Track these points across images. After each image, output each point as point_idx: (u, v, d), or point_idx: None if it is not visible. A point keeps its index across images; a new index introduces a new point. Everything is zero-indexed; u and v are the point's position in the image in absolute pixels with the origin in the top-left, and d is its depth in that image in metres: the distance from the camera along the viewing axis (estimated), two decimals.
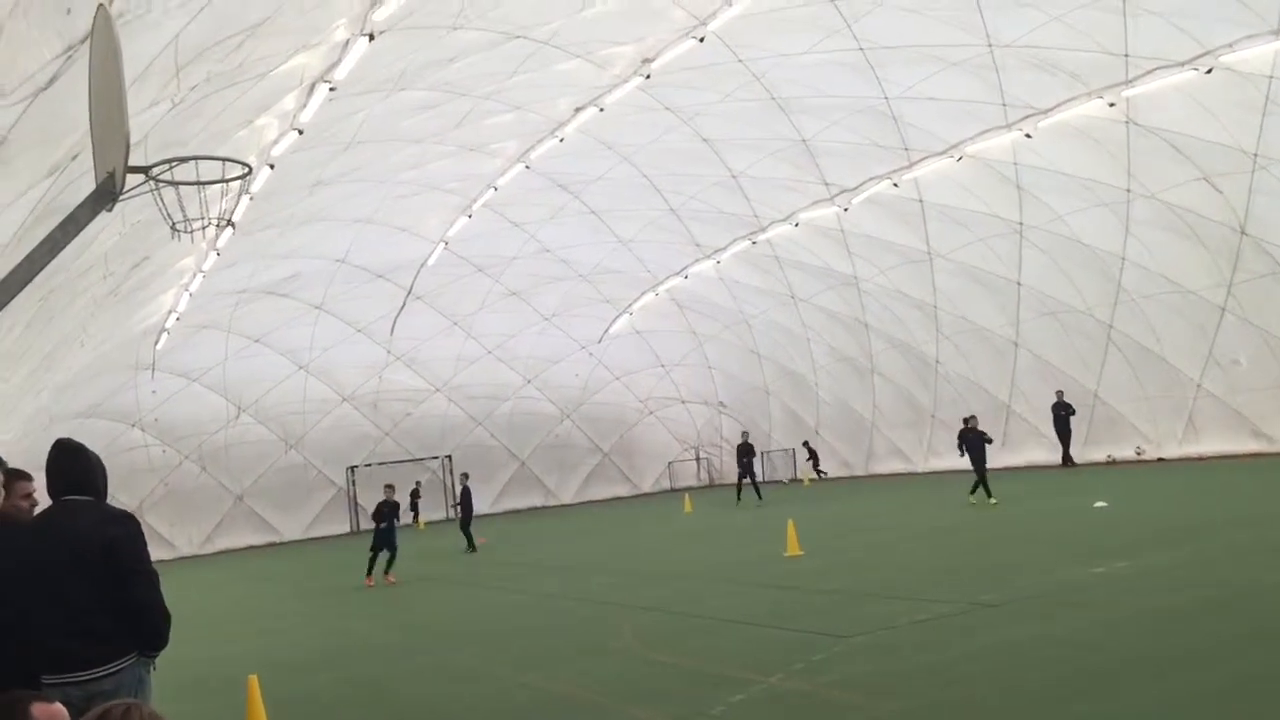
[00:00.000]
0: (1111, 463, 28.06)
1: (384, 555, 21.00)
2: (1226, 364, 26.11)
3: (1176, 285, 26.19)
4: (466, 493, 27.74)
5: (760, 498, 30.72)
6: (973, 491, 22.59)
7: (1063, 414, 29.56)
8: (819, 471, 41.97)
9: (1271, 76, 20.22)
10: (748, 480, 31.55)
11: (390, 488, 22.72)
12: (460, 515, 27.98)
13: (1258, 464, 23.84)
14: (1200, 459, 26.54)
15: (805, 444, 42.11)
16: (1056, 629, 9.19)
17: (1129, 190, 24.93)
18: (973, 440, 23.13)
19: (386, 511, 21.33)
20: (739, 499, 31.37)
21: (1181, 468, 25.55)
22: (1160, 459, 27.87)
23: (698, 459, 48.17)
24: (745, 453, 32.44)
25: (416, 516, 41.24)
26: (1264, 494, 18.36)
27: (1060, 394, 29.61)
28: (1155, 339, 27.69)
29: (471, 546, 26.57)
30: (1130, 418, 28.96)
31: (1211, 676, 7.07)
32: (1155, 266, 26.35)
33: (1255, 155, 22.01)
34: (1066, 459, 29.70)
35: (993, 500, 21.90)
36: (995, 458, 33.34)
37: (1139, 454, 28.58)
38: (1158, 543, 13.49)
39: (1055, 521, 17.65)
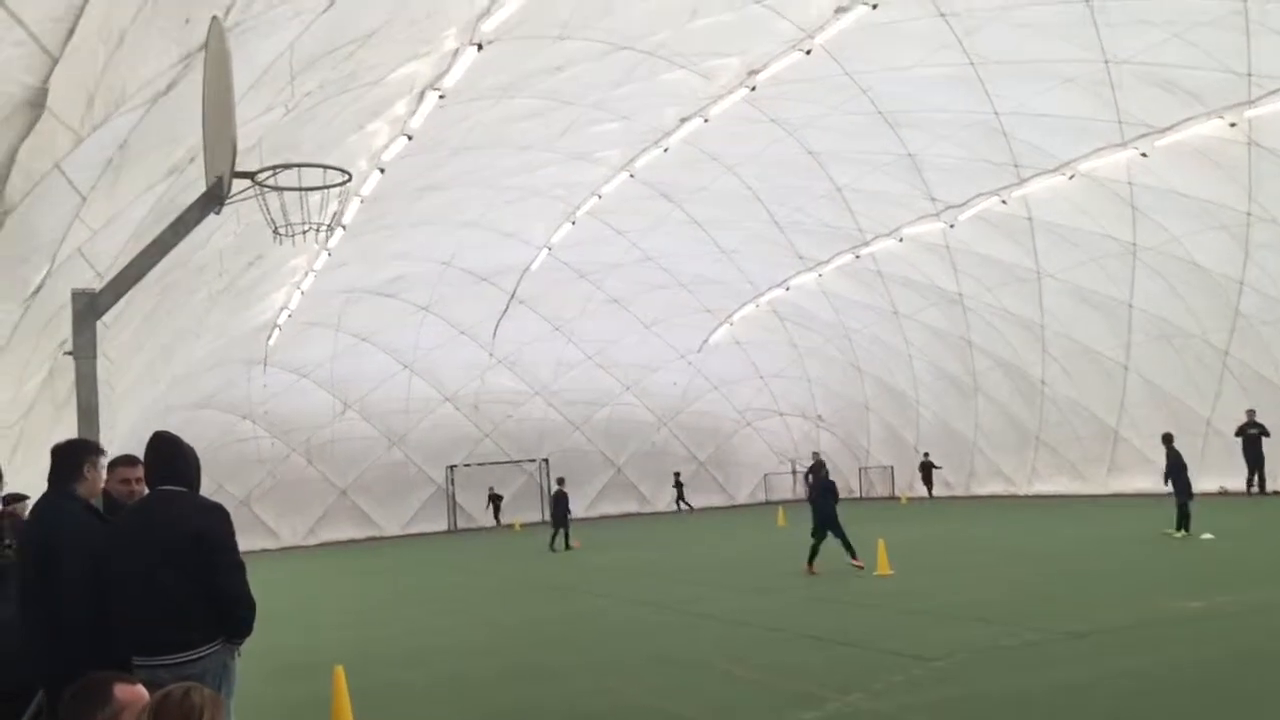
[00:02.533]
0: (1224, 493, 27.08)
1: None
2: None
3: None
4: (561, 496, 28.93)
5: None
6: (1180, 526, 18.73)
7: (1253, 433, 26.49)
8: (681, 504, 42.20)
9: None
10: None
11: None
12: (554, 516, 29.04)
13: None
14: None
15: (675, 474, 43.22)
16: (1145, 664, 8.94)
17: (1249, 213, 24.11)
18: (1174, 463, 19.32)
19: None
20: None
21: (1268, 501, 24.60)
22: (1276, 491, 26.82)
23: (794, 472, 47.83)
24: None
25: (498, 517, 42.32)
26: None
27: (1251, 414, 26.61)
28: (1274, 367, 26.69)
29: (553, 546, 28.00)
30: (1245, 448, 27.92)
31: None
32: (1276, 293, 25.42)
33: None
34: (1256, 484, 26.69)
35: (1179, 533, 18.53)
36: (1103, 484, 32.61)
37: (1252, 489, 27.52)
38: (1262, 579, 13.01)
39: (1158, 552, 17.13)
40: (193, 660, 5.27)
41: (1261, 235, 24.46)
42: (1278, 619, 10.41)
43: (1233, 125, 21.75)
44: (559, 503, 29.04)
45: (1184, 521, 18.49)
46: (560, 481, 30.47)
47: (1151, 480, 30.09)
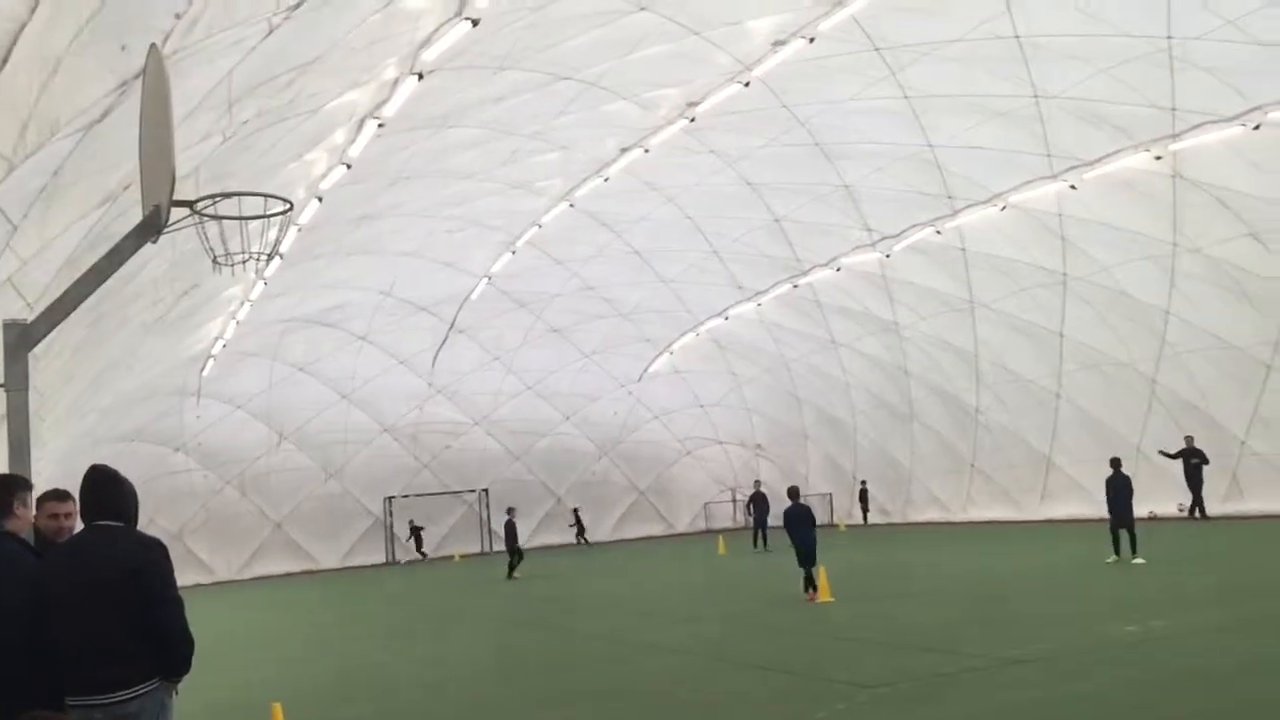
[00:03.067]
0: (1153, 519, 27.61)
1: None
2: (1273, 423, 25.71)
3: (1222, 341, 25.89)
4: (510, 525, 29.29)
5: (767, 546, 31.00)
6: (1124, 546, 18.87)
7: (1194, 461, 26.78)
8: (581, 539, 42.32)
9: None
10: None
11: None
12: (508, 546, 29.16)
13: None
14: (1244, 518, 26.09)
15: (574, 510, 42.90)
16: (1085, 688, 9.07)
17: (1174, 244, 24.75)
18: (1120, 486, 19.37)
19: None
20: (755, 545, 32.01)
21: (1225, 526, 25.11)
22: (1203, 516, 27.38)
23: (734, 500, 47.96)
24: (759, 501, 33.40)
25: (420, 548, 41.63)
26: None
27: (1190, 440, 26.91)
28: (1200, 394, 27.35)
29: (511, 575, 27.93)
30: (1173, 474, 28.51)
31: None
32: (1201, 322, 26.08)
33: None
34: (1196, 509, 27.01)
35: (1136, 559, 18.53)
36: (1036, 510, 33.12)
37: (1181, 510, 28.11)
38: (1194, 603, 13.27)
39: (1092, 577, 17.41)
40: (128, 699, 5.15)
41: (1186, 265, 25.11)
42: (1212, 642, 10.62)
43: (1158, 158, 22.35)
44: (510, 531, 29.22)
45: (1132, 545, 18.64)
46: (510, 511, 30.49)
47: (1086, 507, 30.75)
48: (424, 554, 41.64)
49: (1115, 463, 19.80)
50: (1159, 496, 28.30)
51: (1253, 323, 24.91)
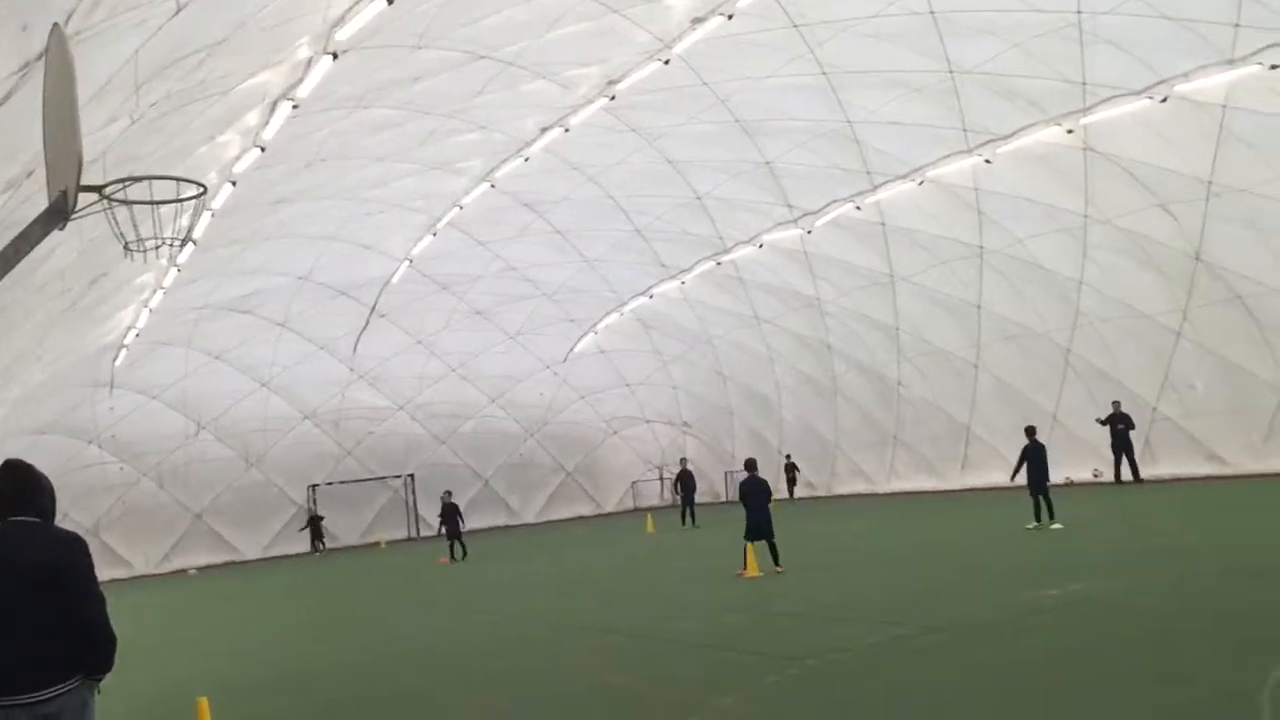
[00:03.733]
0: (1069, 484, 28.31)
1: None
2: (1182, 388, 26.48)
3: (1133, 310, 26.58)
4: (451, 508, 29.36)
5: (695, 523, 31.23)
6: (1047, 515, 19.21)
7: (1121, 428, 27.05)
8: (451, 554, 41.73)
9: (1225, 106, 20.60)
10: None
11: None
12: (447, 530, 29.24)
13: (1211, 488, 24.16)
14: (1157, 481, 26.85)
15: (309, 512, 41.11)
16: (1008, 653, 9.27)
17: (1086, 216, 25.31)
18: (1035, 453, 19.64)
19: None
20: (683, 523, 32.05)
21: (1136, 490, 25.82)
22: (1117, 481, 28.15)
23: (661, 479, 48.17)
24: (685, 479, 33.47)
25: (318, 542, 39.94)
26: (1217, 518, 18.61)
27: (1117, 405, 27.22)
28: (1112, 363, 28.06)
29: (456, 556, 28.31)
30: (1087, 440, 29.26)
31: (1155, 703, 7.15)
32: (1112, 291, 26.73)
33: (1209, 183, 22.40)
34: (1129, 475, 27.15)
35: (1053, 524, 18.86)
36: (958, 480, 33.77)
37: (1095, 476, 28.87)
38: (1111, 567, 13.62)
39: (1012, 543, 17.78)
40: (49, 698, 5.00)
41: (1097, 236, 25.71)
42: (1129, 605, 10.90)
43: (1069, 132, 22.81)
44: (449, 514, 29.18)
45: (1049, 510, 18.99)
46: (447, 494, 30.50)
47: (1003, 475, 31.38)
48: (321, 546, 39.89)
49: (1030, 431, 20.21)
50: (1075, 463, 29.06)
51: (1162, 291, 25.60)
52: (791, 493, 40.22)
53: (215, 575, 35.24)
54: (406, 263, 33.62)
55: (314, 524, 40.36)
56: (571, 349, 43.92)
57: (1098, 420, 27.58)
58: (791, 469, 40.31)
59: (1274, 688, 6.93)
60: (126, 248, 7.40)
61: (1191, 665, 8.00)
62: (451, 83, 21.67)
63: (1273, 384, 24.35)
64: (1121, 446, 27.34)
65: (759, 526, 17.21)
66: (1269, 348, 24.17)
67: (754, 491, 17.37)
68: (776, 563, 17.15)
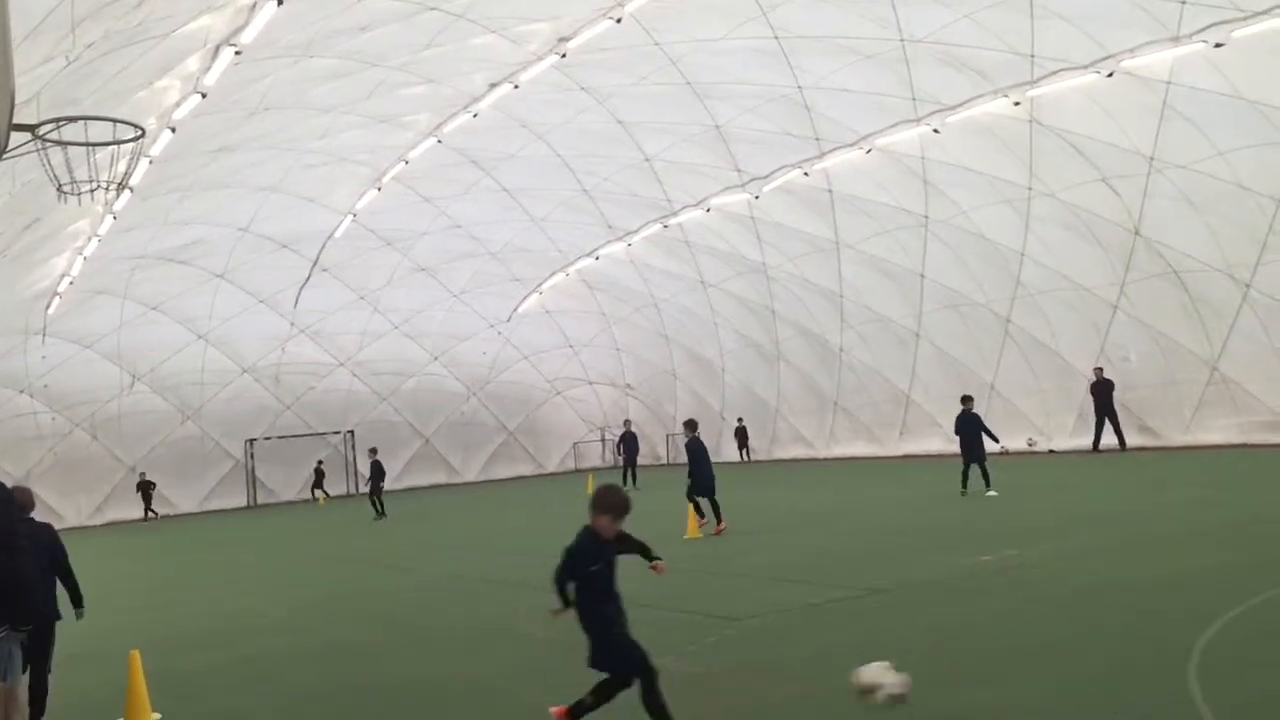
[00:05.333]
0: (1004, 453, 28.75)
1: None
2: (1117, 360, 26.95)
3: (1072, 282, 26.96)
4: (377, 465, 29.52)
5: (636, 485, 31.34)
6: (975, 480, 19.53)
7: (1104, 391, 26.76)
8: (315, 492, 41.24)
9: (1169, 82, 20.87)
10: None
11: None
12: (371, 486, 29.53)
13: (1142, 458, 24.68)
14: (1090, 451, 27.33)
15: (318, 462, 41.68)
16: (945, 615, 9.41)
17: (1030, 188, 25.56)
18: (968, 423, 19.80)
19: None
20: (624, 484, 32.01)
21: (1071, 460, 26.30)
22: (1051, 451, 28.68)
23: (603, 440, 48.25)
24: (628, 441, 33.74)
25: (149, 509, 38.92)
26: (1145, 487, 19.01)
27: (1099, 371, 26.95)
28: (1050, 334, 28.48)
29: (381, 513, 28.35)
30: (1024, 409, 29.76)
31: (1085, 665, 7.30)
32: (1053, 263, 27.08)
33: (1151, 159, 22.72)
34: (1119, 442, 26.69)
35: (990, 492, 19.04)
36: (896, 446, 34.18)
37: (1031, 445, 29.37)
38: (1044, 533, 13.88)
39: (949, 509, 18.05)
40: None
41: (1040, 209, 26.00)
42: (1062, 569, 11.12)
43: (1016, 104, 22.98)
44: (375, 474, 29.37)
45: (984, 478, 19.23)
46: (373, 451, 30.49)
47: (942, 443, 31.82)
48: (153, 513, 38.59)
49: (965, 400, 20.48)
50: (1011, 432, 29.50)
51: (1101, 265, 25.99)
52: (742, 455, 40.35)
53: (148, 528, 34.75)
54: (350, 217, 33.16)
55: (144, 489, 38.82)
56: (516, 308, 43.71)
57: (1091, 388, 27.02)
58: (743, 432, 40.44)
59: (1200, 652, 7.10)
60: (60, 190, 7.19)
61: (1120, 628, 8.18)
62: (400, 34, 21.29)
63: (1205, 359, 24.88)
64: (1103, 411, 26.85)
65: (703, 483, 17.47)
66: (1202, 323, 24.66)
67: (699, 450, 17.70)
68: (719, 520, 17.36)
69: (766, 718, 6.85)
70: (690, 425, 18.30)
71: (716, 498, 17.56)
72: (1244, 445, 23.84)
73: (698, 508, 17.51)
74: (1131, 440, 26.80)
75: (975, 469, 19.42)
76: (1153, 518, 14.43)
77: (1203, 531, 12.76)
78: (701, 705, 7.28)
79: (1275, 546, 11.29)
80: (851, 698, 6.01)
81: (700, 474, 17.59)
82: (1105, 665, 7.20)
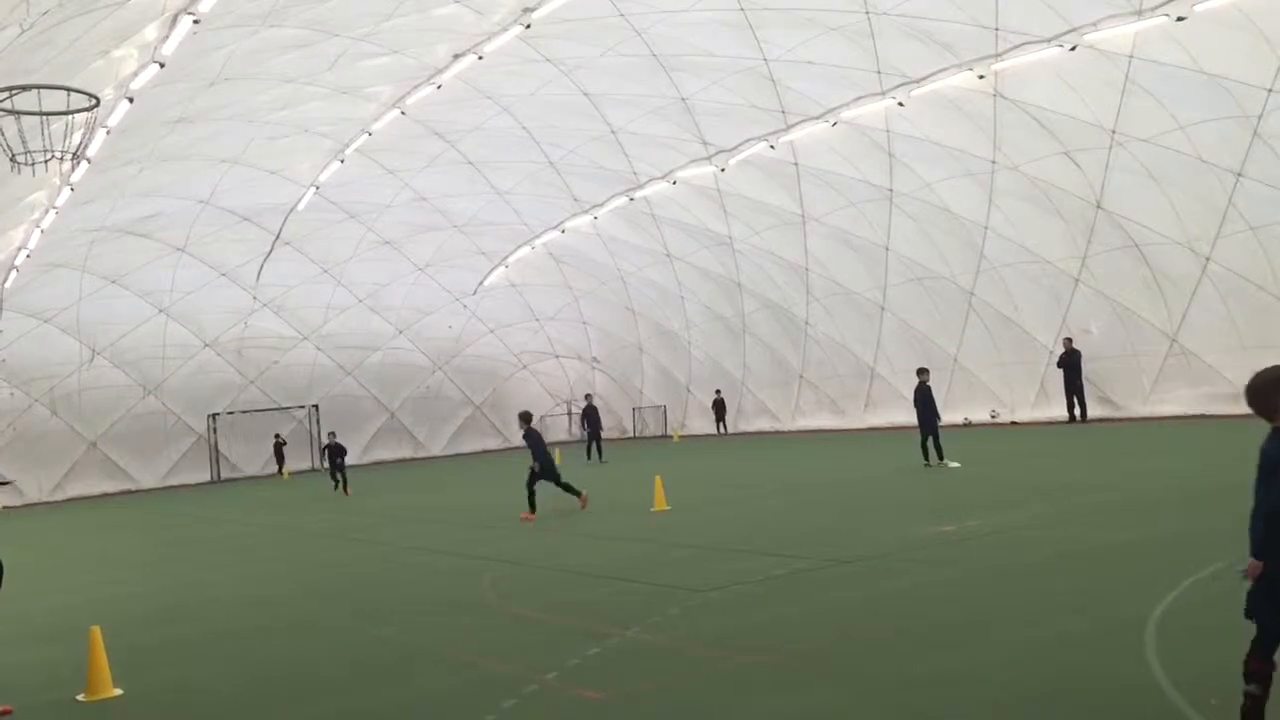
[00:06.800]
0: (967, 425, 29.03)
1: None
2: (1078, 332, 27.21)
3: (1035, 255, 27.16)
4: (336, 446, 29.55)
5: (602, 459, 31.45)
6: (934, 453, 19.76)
7: (1073, 364, 26.78)
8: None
9: (1131, 56, 20.98)
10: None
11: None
12: (329, 464, 29.47)
13: (1104, 429, 24.98)
14: (1051, 423, 27.65)
15: (276, 437, 41.41)
16: (906, 585, 9.51)
17: (994, 162, 25.69)
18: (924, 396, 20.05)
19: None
20: (588, 457, 32.28)
21: (1033, 431, 26.58)
22: (1014, 422, 28.97)
23: (569, 414, 48.22)
24: (591, 415, 33.82)
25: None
26: (1106, 457, 19.26)
27: (1069, 342, 26.87)
28: (1013, 307, 28.71)
29: (342, 487, 28.44)
30: (987, 382, 30.01)
31: (1043, 632, 7.40)
32: (1016, 236, 27.26)
33: (1114, 132, 22.87)
34: (1081, 414, 26.90)
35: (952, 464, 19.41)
36: (860, 419, 34.40)
37: (994, 417, 29.66)
38: (1005, 503, 14.03)
39: (912, 481, 18.21)
40: None
41: (1004, 182, 26.14)
42: (1021, 538, 11.26)
43: (981, 77, 23.03)
44: (334, 454, 29.38)
45: (938, 451, 19.58)
46: (332, 435, 30.76)
47: (906, 415, 32.00)
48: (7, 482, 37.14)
49: (920, 372, 20.69)
50: (973, 404, 29.81)
51: (1063, 238, 26.19)
52: (719, 427, 40.28)
53: (110, 504, 34.47)
54: (313, 189, 32.81)
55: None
56: (481, 282, 43.50)
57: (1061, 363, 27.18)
58: (720, 405, 40.35)
59: (1157, 619, 7.22)
60: (14, 160, 7.06)
61: (1081, 596, 8.30)
62: (362, 3, 21.04)
63: (1164, 331, 25.17)
64: (1074, 385, 26.97)
65: (549, 469, 17.99)
66: (1162, 295, 24.94)
67: (539, 440, 18.27)
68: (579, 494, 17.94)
69: (723, 686, 6.89)
70: (525, 418, 18.88)
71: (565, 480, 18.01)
72: (1202, 416, 24.17)
73: (533, 497, 17.95)
74: (1092, 411, 27.07)
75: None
76: (1113, 488, 14.62)
77: (1161, 501, 12.95)
78: (665, 676, 7.32)
79: (1232, 516, 11.49)
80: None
81: (545, 461, 18.02)
82: (1071, 631, 7.30)
